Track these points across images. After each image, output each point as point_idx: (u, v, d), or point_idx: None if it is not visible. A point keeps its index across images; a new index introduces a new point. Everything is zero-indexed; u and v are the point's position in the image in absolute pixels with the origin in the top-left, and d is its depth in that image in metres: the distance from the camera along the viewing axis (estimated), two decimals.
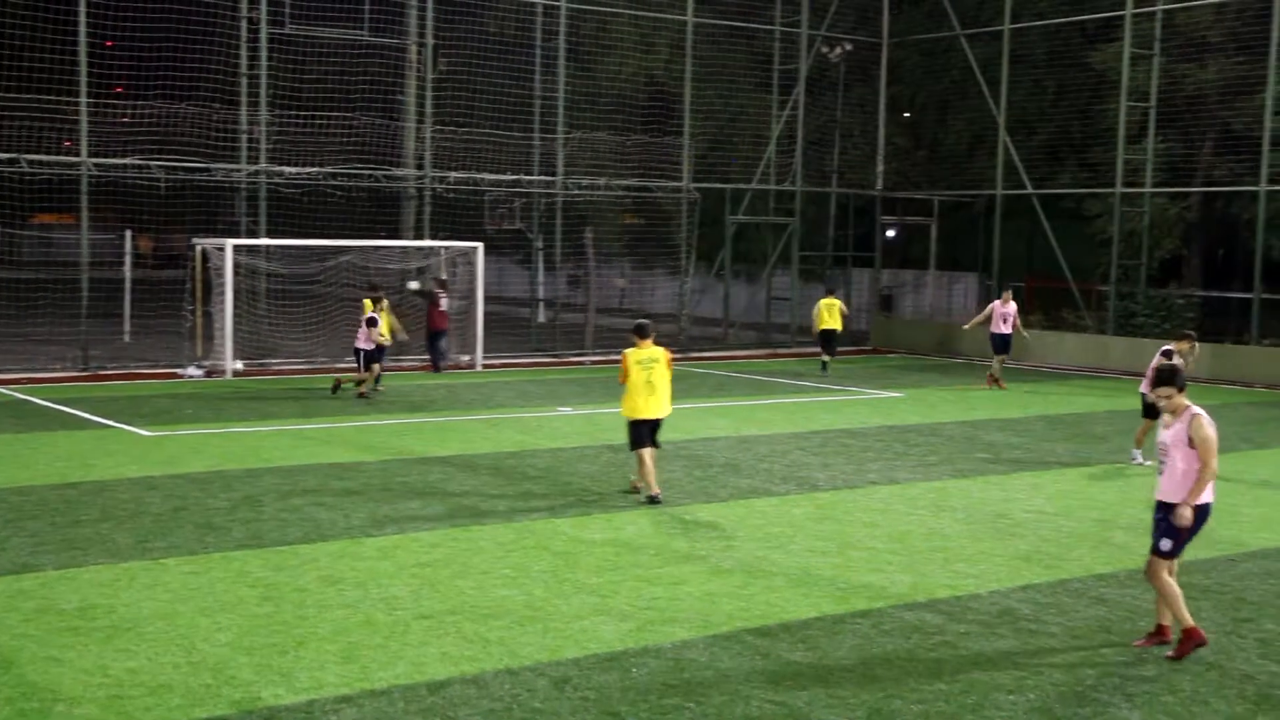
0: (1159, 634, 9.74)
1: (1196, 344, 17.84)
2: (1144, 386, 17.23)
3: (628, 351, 14.86)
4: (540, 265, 33.84)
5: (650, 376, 14.78)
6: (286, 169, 28.78)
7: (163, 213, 29.34)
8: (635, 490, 15.12)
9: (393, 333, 24.16)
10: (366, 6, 30.32)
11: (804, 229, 37.01)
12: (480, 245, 29.70)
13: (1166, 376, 9.63)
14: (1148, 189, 32.88)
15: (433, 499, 14.59)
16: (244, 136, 28.54)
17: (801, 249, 36.90)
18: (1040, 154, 35.96)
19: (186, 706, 8.11)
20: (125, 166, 27.18)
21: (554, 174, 32.39)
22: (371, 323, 23.13)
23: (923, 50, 38.81)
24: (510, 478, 16.05)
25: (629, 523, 13.60)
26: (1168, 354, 16.89)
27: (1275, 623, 10.42)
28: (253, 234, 28.47)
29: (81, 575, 11.07)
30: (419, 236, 31.09)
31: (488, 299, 30.48)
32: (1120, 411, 23.59)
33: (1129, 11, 32.52)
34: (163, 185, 27.57)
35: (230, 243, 26.69)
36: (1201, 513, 9.47)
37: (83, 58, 26.51)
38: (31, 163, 26.32)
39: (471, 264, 29.76)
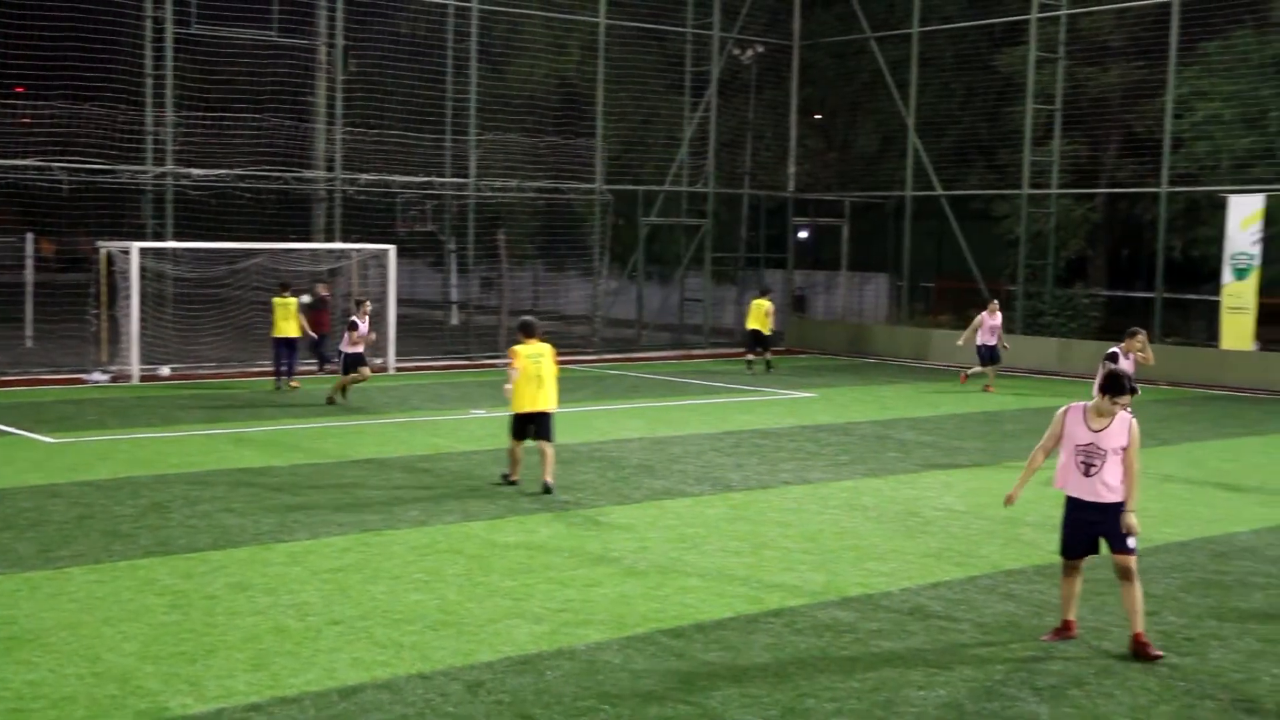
0: (1065, 629, 9.91)
1: (1143, 337, 17.71)
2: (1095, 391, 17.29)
3: (516, 348, 15.35)
4: (453, 267, 33.63)
5: (539, 370, 15.27)
6: (194, 171, 28.37)
7: (66, 215, 28.70)
8: (509, 481, 15.54)
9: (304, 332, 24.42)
10: (275, 7, 29.97)
11: (716, 230, 37.17)
12: (392, 248, 29.47)
13: (1129, 385, 9.57)
14: (1054, 190, 33.43)
15: (344, 503, 14.45)
16: (150, 138, 28.08)
17: (714, 250, 37.05)
18: (949, 156, 36.40)
19: (90, 718, 7.95)
20: (26, 168, 26.63)
21: (466, 176, 32.24)
22: (352, 326, 22.81)
23: (833, 53, 39.13)
24: (423, 481, 15.96)
25: (542, 525, 13.56)
26: (1113, 357, 16.42)
27: (1177, 615, 10.64)
28: (159, 237, 28.03)
29: None
30: (330, 239, 30.79)
31: (400, 301, 30.23)
32: (1029, 410, 23.99)
33: (1034, 16, 33.04)
34: (65, 187, 27.02)
35: (136, 245, 26.27)
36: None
37: None
38: None
39: (383, 266, 29.52)
